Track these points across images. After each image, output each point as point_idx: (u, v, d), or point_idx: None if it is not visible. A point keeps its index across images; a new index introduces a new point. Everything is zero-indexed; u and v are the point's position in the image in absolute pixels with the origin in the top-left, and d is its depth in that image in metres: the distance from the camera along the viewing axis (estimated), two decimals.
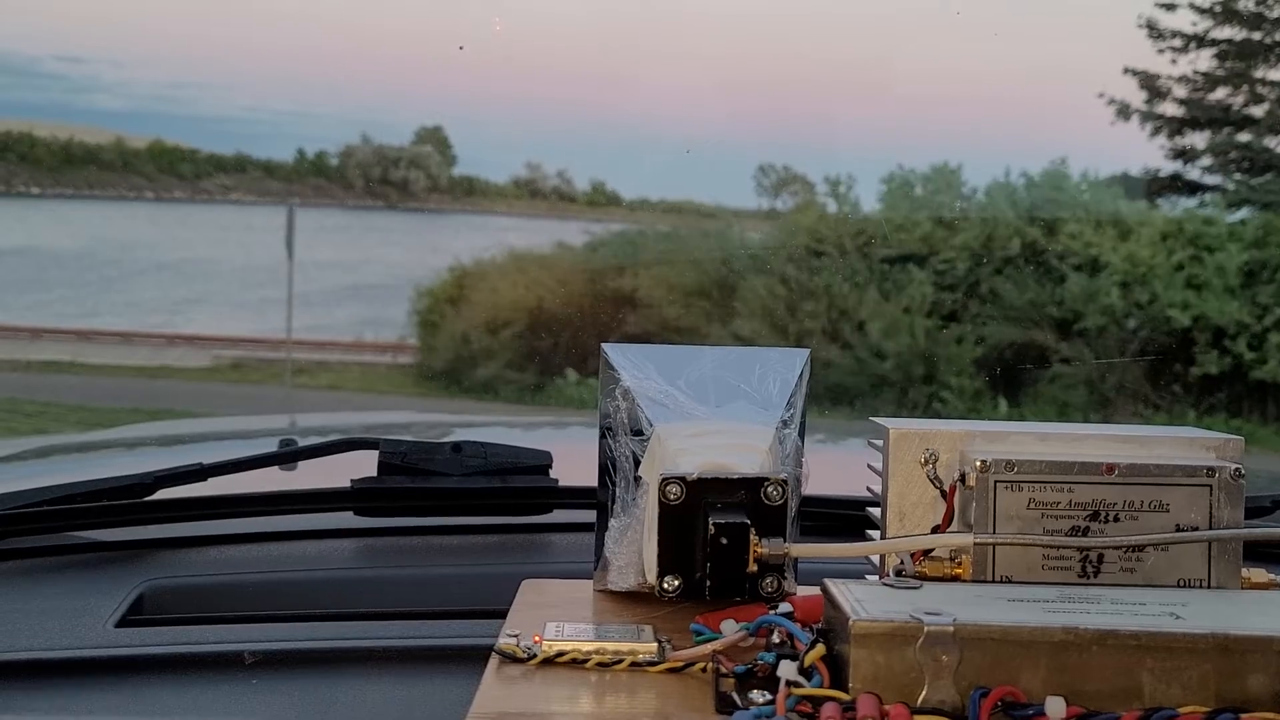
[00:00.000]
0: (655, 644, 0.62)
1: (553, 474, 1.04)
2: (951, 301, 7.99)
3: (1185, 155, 9.40)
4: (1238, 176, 9.37)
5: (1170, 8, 9.34)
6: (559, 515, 1.03)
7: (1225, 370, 7.68)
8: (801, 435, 0.74)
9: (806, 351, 0.79)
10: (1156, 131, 9.46)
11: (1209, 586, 0.64)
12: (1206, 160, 9.51)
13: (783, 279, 8.06)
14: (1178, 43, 9.40)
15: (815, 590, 0.61)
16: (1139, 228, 8.16)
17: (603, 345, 0.78)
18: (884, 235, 8.26)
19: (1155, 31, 9.35)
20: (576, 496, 1.00)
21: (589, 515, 0.79)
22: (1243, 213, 8.41)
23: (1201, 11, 9.27)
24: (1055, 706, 0.51)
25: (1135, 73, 9.42)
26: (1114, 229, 8.18)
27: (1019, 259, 8.10)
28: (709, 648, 0.60)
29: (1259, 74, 9.34)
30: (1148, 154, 9.51)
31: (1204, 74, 9.36)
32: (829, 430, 1.96)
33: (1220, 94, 9.43)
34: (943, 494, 0.67)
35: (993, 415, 7.19)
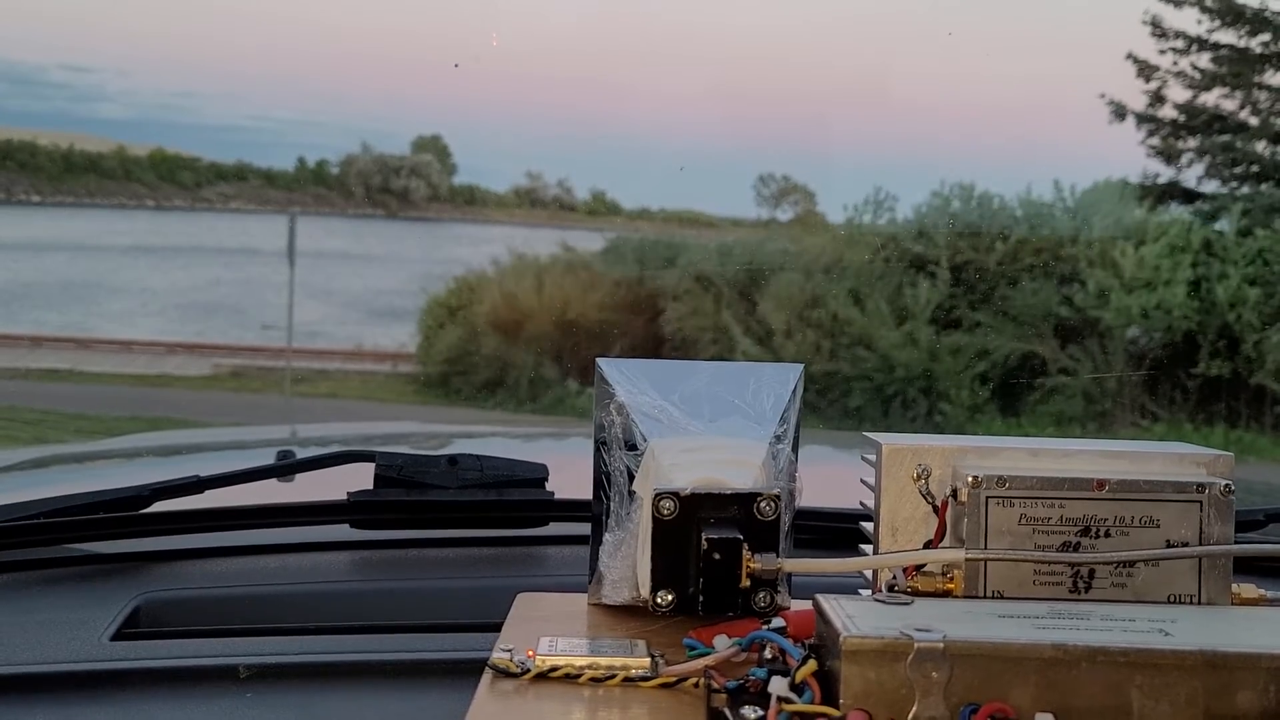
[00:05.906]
0: (648, 659, 0.62)
1: (550, 485, 1.04)
2: (955, 312, 7.98)
3: (1171, 159, 9.38)
4: (1237, 185, 9.35)
5: (1177, 4, 9.28)
6: (554, 528, 1.03)
7: (1225, 379, 7.68)
8: (795, 450, 0.75)
9: (800, 366, 0.79)
10: (1153, 134, 9.43)
11: (1199, 602, 0.64)
12: (1205, 166, 9.48)
13: (781, 297, 8.06)
14: (1180, 44, 9.37)
15: (809, 604, 0.61)
16: (1147, 238, 8.16)
17: (597, 360, 0.78)
18: (892, 251, 8.25)
19: (1159, 31, 9.31)
20: (572, 510, 1.00)
21: (584, 528, 0.79)
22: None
23: (1205, 10, 9.22)
24: None
25: (1133, 59, 9.38)
26: (1118, 239, 8.18)
27: (1024, 267, 8.09)
28: (701, 663, 0.60)
29: (1263, 79, 9.31)
30: (1144, 161, 9.50)
31: (1205, 76, 9.33)
32: (823, 440, 1.96)
33: (1221, 100, 9.42)
34: (935, 509, 0.67)
35: (992, 425, 7.18)
